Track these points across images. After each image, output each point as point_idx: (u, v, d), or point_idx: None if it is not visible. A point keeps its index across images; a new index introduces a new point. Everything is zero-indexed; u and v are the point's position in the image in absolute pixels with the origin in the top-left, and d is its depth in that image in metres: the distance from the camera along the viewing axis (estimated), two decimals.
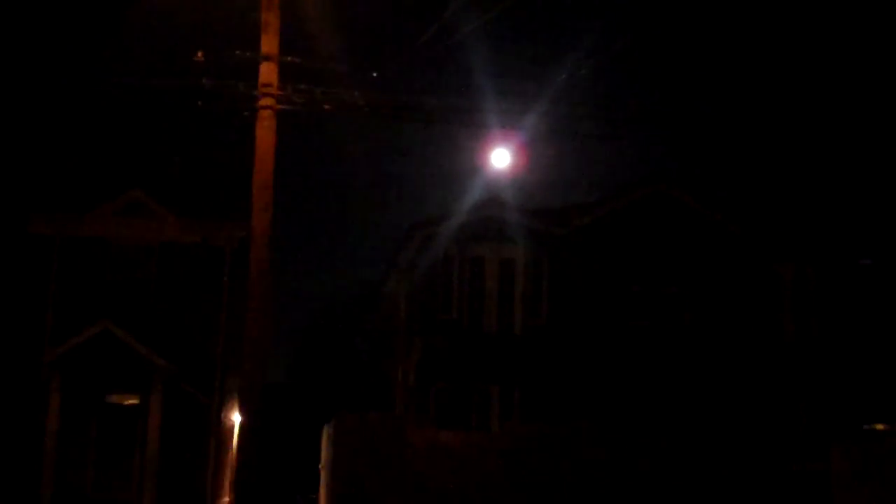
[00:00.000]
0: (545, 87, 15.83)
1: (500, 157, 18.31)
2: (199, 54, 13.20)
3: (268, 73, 13.71)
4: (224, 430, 23.41)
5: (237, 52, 13.53)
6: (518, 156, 18.16)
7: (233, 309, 22.06)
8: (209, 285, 22.62)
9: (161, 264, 22.90)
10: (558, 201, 25.97)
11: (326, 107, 13.55)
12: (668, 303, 23.02)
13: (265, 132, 13.54)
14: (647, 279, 23.00)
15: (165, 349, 21.75)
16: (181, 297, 22.75)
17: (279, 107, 13.56)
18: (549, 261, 23.52)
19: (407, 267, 24.25)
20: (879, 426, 18.23)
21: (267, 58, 13.67)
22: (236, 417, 21.93)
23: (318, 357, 41.45)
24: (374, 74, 13.99)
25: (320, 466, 19.84)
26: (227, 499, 23.23)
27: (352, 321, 34.63)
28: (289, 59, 13.70)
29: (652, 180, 23.78)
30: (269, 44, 13.83)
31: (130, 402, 21.78)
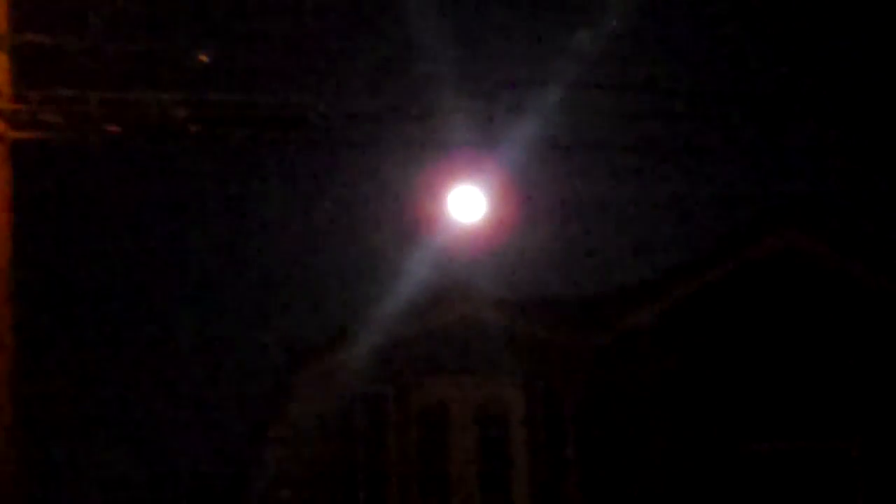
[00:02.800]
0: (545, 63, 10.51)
1: (467, 203, 11.67)
2: None
3: None
4: None
5: None
6: (500, 200, 11.78)
7: None
8: None
9: None
10: (583, 282, 17.34)
11: (112, 128, 9.31)
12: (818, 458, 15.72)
13: None
14: (773, 423, 15.28)
15: None
16: None
17: (14, 135, 9.39)
18: (576, 401, 15.25)
19: (294, 431, 16.51)
20: None
21: None
22: None
23: None
24: (202, 58, 9.58)
25: None
26: None
27: None
28: (28, 39, 9.38)
29: (772, 225, 15.74)
30: None
31: None
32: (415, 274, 14.71)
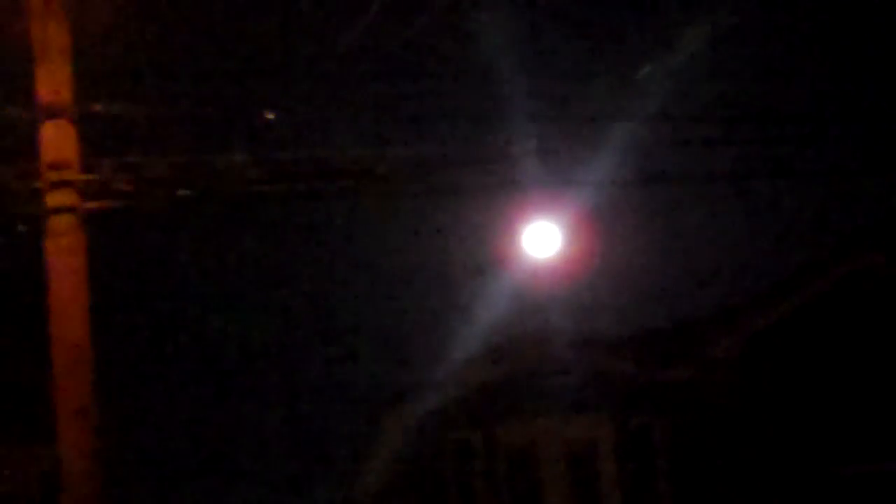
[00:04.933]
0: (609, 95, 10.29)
1: (542, 241, 11.36)
2: None
3: (58, 139, 9.20)
4: None
5: None
6: (575, 237, 11.45)
7: None
8: None
9: None
10: (664, 315, 16.86)
11: (183, 192, 9.11)
12: None
13: (63, 257, 9.17)
14: (863, 446, 14.94)
15: None
16: None
17: (88, 205, 9.11)
18: (665, 435, 15.10)
19: (383, 478, 16.71)
20: None
21: (53, 112, 9.08)
22: None
23: None
24: (269, 116, 9.56)
25: None
26: None
27: None
28: (95, 108, 9.06)
29: (852, 248, 15.53)
30: (53, 83, 9.22)
31: None
32: (497, 315, 14.56)
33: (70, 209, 9.24)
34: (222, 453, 20.91)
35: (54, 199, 9.20)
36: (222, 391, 20.61)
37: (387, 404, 15.56)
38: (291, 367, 20.81)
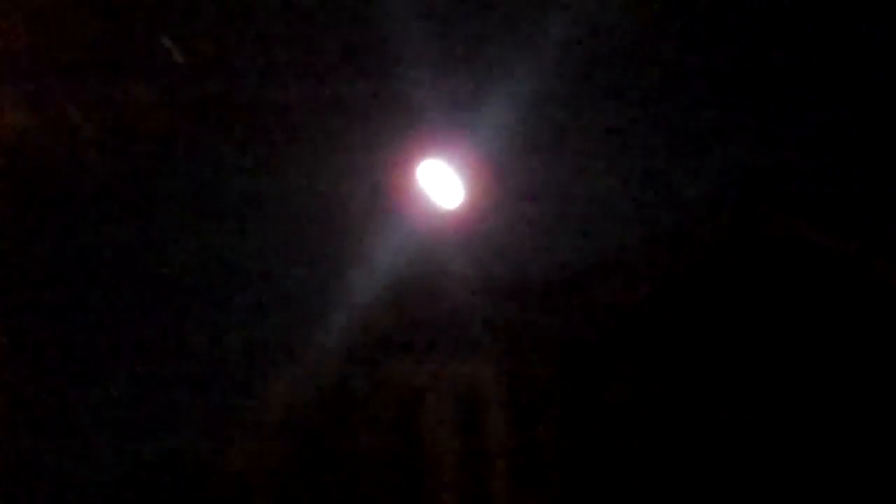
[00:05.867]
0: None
1: (442, 186, 11.21)
2: None
3: None
4: None
5: None
6: (471, 175, 11.16)
7: None
8: None
9: None
10: (562, 265, 16.56)
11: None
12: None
13: None
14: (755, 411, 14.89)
15: None
16: None
17: None
18: (555, 384, 14.66)
19: (267, 421, 16.45)
20: None
21: None
22: None
23: None
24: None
25: None
26: None
27: None
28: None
29: (753, 207, 15.22)
30: None
31: None
32: (390, 261, 14.48)
33: None
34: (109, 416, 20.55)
35: None
36: (112, 346, 20.31)
37: (278, 349, 15.48)
38: (186, 316, 20.49)
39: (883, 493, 14.89)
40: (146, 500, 19.87)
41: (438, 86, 10.05)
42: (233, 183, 16.63)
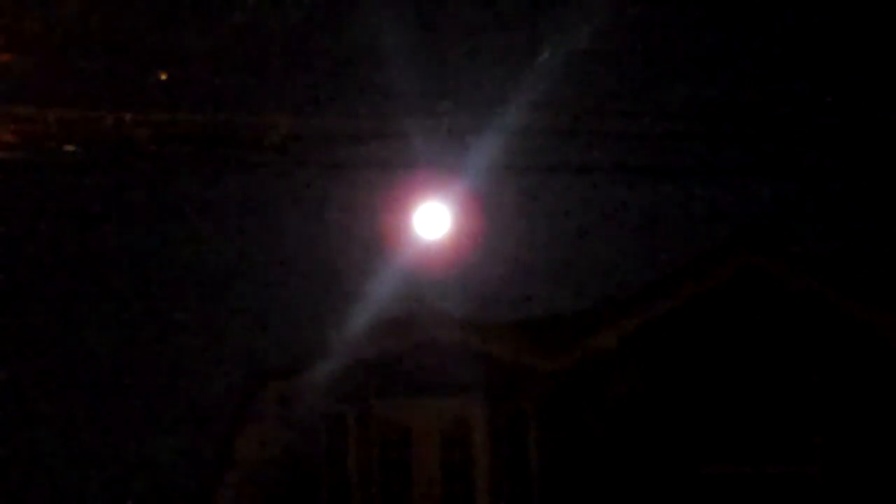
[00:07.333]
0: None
1: (431, 222, 11.13)
2: None
3: None
4: None
5: None
6: (465, 219, 11.27)
7: None
8: None
9: None
10: (550, 303, 16.86)
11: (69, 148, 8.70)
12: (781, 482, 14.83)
13: None
14: (736, 446, 14.81)
15: None
16: None
17: None
18: (540, 423, 14.85)
19: (256, 453, 16.12)
20: None
21: None
22: None
23: None
24: (162, 76, 9.49)
25: None
26: None
27: None
28: None
29: (735, 247, 15.10)
30: None
31: None
32: (379, 295, 14.45)
33: None
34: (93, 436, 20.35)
35: None
36: (102, 362, 20.12)
37: (265, 378, 15.33)
38: (174, 343, 20.29)
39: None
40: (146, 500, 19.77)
41: (428, 120, 9.90)
42: (223, 212, 16.58)
